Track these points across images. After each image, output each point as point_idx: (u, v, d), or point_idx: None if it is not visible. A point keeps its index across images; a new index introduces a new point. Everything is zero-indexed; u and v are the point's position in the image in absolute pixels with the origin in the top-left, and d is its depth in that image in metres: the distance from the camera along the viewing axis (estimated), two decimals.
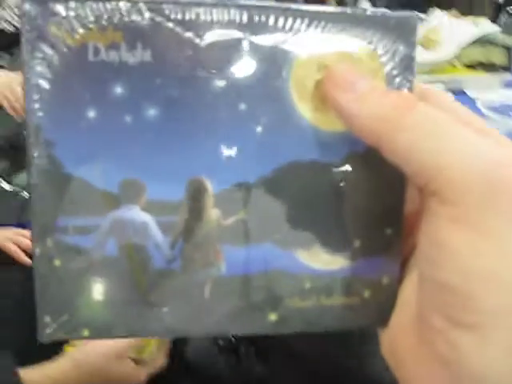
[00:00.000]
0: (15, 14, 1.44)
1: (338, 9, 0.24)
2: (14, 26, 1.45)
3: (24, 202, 1.79)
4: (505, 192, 0.20)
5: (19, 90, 1.31)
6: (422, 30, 1.80)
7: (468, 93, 1.58)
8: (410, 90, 0.25)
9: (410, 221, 0.25)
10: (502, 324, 0.20)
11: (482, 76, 1.64)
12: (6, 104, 1.33)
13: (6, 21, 1.46)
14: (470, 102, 1.54)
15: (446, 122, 0.22)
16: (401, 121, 0.22)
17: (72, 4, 0.22)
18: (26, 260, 1.04)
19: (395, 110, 0.22)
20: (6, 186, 1.79)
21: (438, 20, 1.84)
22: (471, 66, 1.70)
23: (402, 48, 0.24)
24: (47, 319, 0.24)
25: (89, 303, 0.24)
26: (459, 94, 1.57)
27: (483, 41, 1.68)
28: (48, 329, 0.24)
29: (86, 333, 0.24)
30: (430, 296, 0.22)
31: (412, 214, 0.25)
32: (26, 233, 1.09)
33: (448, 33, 1.75)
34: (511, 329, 0.19)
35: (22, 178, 1.81)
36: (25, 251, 1.06)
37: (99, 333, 0.24)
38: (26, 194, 1.78)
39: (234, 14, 0.23)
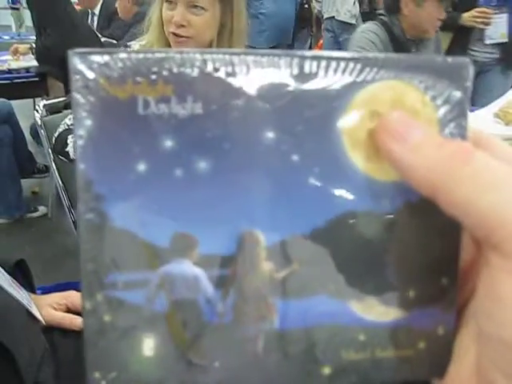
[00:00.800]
0: None
1: (392, 55, 0.24)
2: None
3: None
4: None
5: None
6: (501, 104, 1.78)
7: None
8: (464, 135, 0.24)
9: (464, 269, 0.25)
10: None
11: None
12: None
13: None
14: None
15: (506, 172, 0.21)
16: (458, 172, 0.21)
17: (121, 56, 0.21)
18: None
19: (452, 160, 0.21)
20: None
21: None
22: None
23: (455, 93, 0.23)
24: (97, 375, 0.23)
25: (139, 359, 0.23)
26: None
27: None
28: None
29: None
30: (491, 352, 0.21)
31: (466, 261, 0.25)
32: None
33: None
34: None
35: None
36: None
37: None
38: None
39: (285, 64, 0.23)
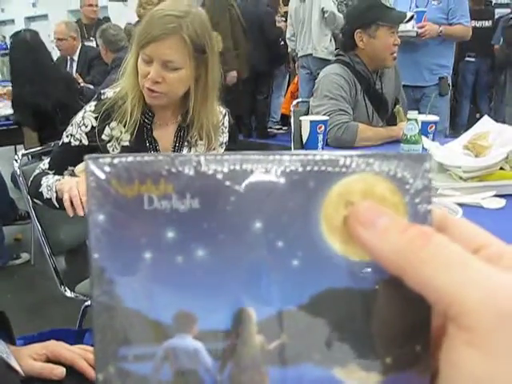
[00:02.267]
0: (80, 130, 1.55)
1: (364, 153, 0.27)
2: (79, 140, 1.55)
3: (84, 309, 1.86)
4: None
5: (82, 189, 1.37)
6: (469, 137, 1.82)
7: None
8: (428, 219, 0.26)
9: (435, 335, 0.27)
10: None
11: None
12: (66, 196, 1.37)
13: (72, 136, 1.56)
14: None
15: (459, 254, 0.24)
16: (417, 255, 0.24)
17: (129, 160, 0.25)
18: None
19: (412, 244, 0.24)
20: (68, 293, 1.87)
21: (486, 125, 1.86)
22: None
23: (419, 182, 0.26)
24: None
25: None
26: (511, 197, 1.55)
27: None
28: None
29: None
30: None
31: (437, 328, 0.27)
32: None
33: (496, 137, 1.76)
34: None
35: (83, 286, 1.88)
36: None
37: None
38: (88, 302, 1.84)
39: (271, 162, 0.26)
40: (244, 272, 0.26)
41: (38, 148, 2.05)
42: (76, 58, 4.42)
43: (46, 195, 1.52)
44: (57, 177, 1.55)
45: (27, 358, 1.02)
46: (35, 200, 1.62)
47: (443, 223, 0.28)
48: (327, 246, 0.26)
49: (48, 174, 1.59)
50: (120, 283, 0.25)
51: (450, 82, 3.43)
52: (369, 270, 0.26)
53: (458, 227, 0.28)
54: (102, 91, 1.60)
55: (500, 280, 0.23)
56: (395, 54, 2.35)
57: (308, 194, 0.26)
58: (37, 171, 1.63)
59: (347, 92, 2.29)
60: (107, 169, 0.25)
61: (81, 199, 1.35)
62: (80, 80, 3.94)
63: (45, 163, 1.63)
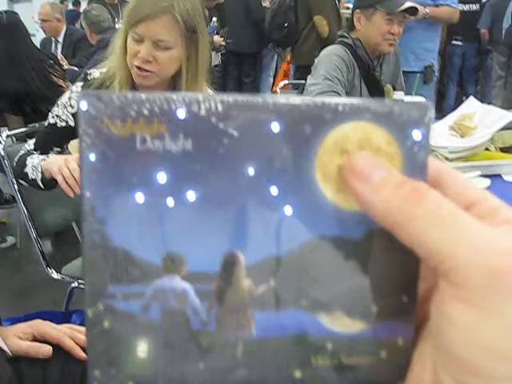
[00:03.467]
0: (66, 111, 1.53)
1: (361, 99, 0.27)
2: (66, 121, 1.54)
3: (71, 291, 1.86)
4: (503, 277, 0.22)
5: (75, 165, 1.36)
6: (455, 118, 1.83)
7: (504, 177, 1.59)
8: (425, 171, 0.26)
9: (427, 291, 0.27)
10: None
11: None
12: (60, 178, 1.36)
13: (58, 116, 1.55)
14: (507, 186, 1.54)
15: (453, 212, 0.24)
16: (411, 211, 0.24)
17: (122, 98, 0.24)
18: (82, 355, 1.06)
19: (406, 201, 0.24)
20: (55, 275, 1.87)
21: (472, 106, 1.88)
22: (506, 150, 1.72)
23: (417, 132, 0.26)
24: (97, 373, 0.26)
25: (134, 360, 0.26)
26: (495, 177, 1.58)
27: None
28: (97, 381, 0.26)
29: None
30: (442, 361, 0.25)
31: (428, 288, 0.27)
32: (81, 329, 1.13)
33: (482, 118, 1.78)
34: None
35: (69, 267, 1.88)
36: (81, 346, 1.08)
37: None
38: (74, 284, 1.84)
39: (264, 107, 0.25)
40: (235, 216, 0.26)
41: (23, 129, 2.04)
42: (61, 39, 4.38)
43: (31, 176, 1.51)
44: (42, 156, 1.53)
45: (13, 337, 1.02)
46: (20, 181, 1.60)
47: (439, 176, 0.28)
48: (320, 194, 0.26)
49: (33, 154, 1.57)
50: (110, 222, 0.25)
51: (436, 67, 3.39)
52: (360, 220, 0.27)
53: (453, 181, 0.28)
54: (88, 71, 1.58)
55: (491, 237, 0.23)
56: (392, 41, 2.30)
57: (303, 139, 0.26)
58: (21, 152, 1.61)
59: (344, 75, 2.26)
60: (99, 105, 0.24)
61: (74, 178, 1.34)
62: (64, 62, 3.89)
63: (30, 144, 1.62)
